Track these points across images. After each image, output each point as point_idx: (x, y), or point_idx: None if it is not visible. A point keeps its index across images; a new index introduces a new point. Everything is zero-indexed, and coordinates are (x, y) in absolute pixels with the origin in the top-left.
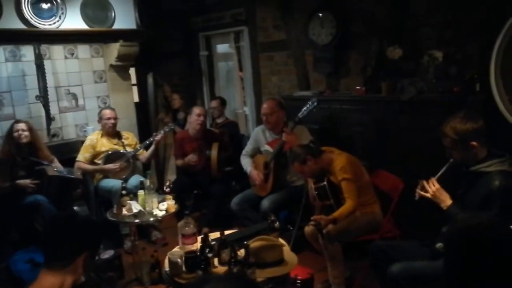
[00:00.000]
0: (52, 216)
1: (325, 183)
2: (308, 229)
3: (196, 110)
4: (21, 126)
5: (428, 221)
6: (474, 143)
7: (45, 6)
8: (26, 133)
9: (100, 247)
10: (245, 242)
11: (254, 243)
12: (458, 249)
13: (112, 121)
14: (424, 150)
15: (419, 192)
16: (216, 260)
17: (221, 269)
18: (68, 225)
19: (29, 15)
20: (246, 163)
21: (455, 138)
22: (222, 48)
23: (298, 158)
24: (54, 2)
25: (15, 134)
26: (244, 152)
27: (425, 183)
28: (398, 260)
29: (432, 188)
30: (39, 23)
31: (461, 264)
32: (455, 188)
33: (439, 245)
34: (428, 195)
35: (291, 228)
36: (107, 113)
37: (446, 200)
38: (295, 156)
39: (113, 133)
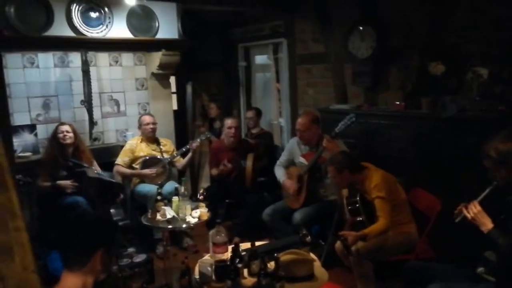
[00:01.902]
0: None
1: (357, 198)
2: (338, 245)
3: (228, 122)
4: (66, 127)
5: (466, 244)
6: None
7: (93, 15)
8: (71, 134)
9: (122, 246)
10: (275, 254)
11: (284, 256)
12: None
13: (151, 126)
14: (464, 170)
15: (460, 209)
16: (245, 271)
17: (250, 280)
18: (78, 224)
19: (78, 23)
20: (279, 173)
21: (496, 158)
22: (260, 59)
23: (336, 164)
24: (102, 11)
25: (60, 135)
26: (278, 162)
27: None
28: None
29: (473, 210)
30: (87, 31)
31: None
32: (498, 214)
33: (480, 269)
34: (468, 216)
35: (322, 243)
36: (147, 118)
37: (487, 224)
38: (335, 162)
39: (152, 138)
